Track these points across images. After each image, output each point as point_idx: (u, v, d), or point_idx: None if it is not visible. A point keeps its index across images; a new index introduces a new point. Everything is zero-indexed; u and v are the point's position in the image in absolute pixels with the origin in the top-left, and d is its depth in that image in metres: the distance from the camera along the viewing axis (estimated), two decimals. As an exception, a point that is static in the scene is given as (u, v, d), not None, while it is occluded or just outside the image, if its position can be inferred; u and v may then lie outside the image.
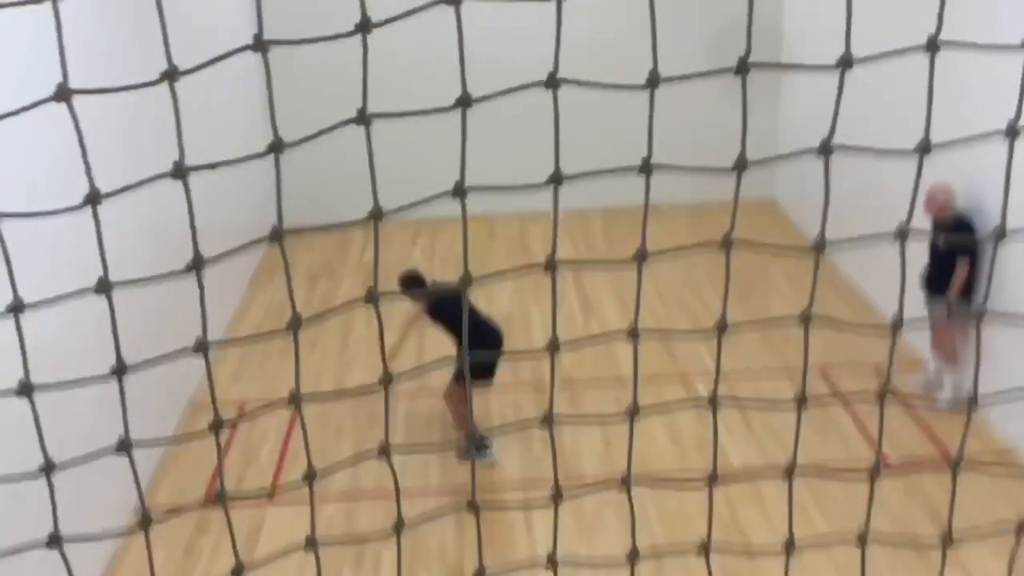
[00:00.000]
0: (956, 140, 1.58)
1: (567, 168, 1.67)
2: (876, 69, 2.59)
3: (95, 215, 1.61)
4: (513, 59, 9.22)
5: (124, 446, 1.69)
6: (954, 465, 1.80)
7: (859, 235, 1.85)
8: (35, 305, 1.66)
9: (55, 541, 1.70)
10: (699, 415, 9.12)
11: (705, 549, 1.85)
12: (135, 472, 1.75)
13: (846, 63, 1.41)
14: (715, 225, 14.88)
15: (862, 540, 1.82)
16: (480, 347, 8.41)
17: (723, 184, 1.64)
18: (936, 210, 8.82)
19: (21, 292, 1.66)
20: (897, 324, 1.64)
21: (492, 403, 9.60)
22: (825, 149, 1.50)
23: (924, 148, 1.49)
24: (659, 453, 8.63)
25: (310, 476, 1.74)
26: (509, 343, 10.78)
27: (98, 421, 4.21)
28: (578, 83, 1.62)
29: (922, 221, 1.78)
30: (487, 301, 11.71)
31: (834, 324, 1.90)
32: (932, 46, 1.43)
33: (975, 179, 8.33)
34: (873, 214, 6.42)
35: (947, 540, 1.83)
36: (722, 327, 1.66)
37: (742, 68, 1.43)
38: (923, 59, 1.53)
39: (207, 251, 1.66)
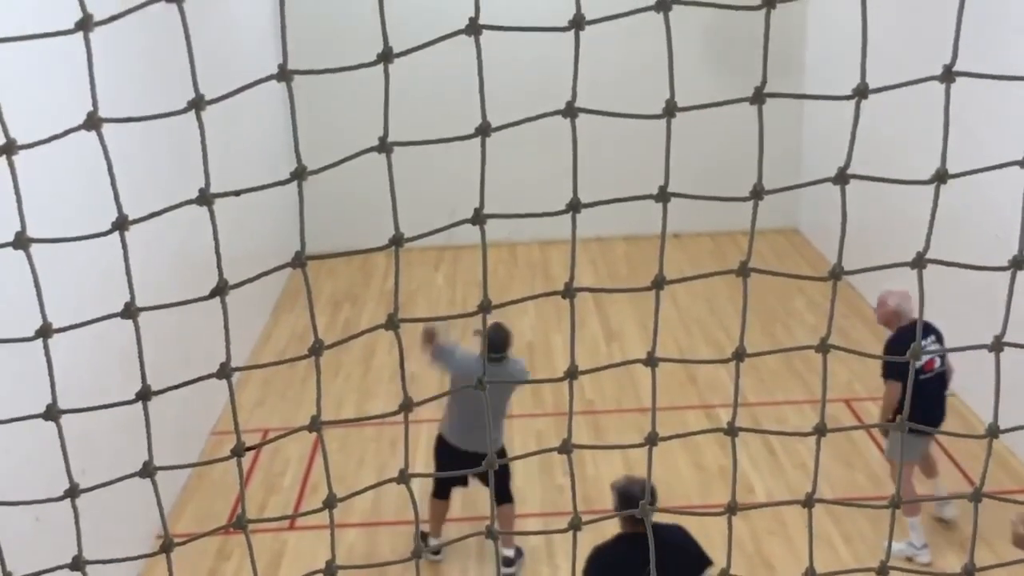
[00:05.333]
0: (975, 170, 1.58)
1: (590, 196, 1.69)
2: (902, 96, 2.60)
3: (123, 240, 1.63)
4: (537, 88, 9.27)
5: (147, 470, 1.70)
6: (975, 496, 1.79)
7: (882, 264, 1.84)
8: (63, 330, 1.68)
9: (78, 564, 1.72)
10: (722, 444, 9.07)
11: (725, 578, 1.84)
12: (158, 496, 1.77)
13: (861, 93, 1.42)
14: (739, 253, 14.86)
15: (883, 571, 1.81)
16: None
17: (747, 212, 1.65)
18: (883, 320, 7.37)
19: (50, 318, 1.68)
20: (916, 354, 1.64)
21: (513, 431, 9.59)
22: (841, 178, 1.51)
23: (940, 177, 1.49)
24: (682, 482, 8.58)
25: (330, 501, 1.75)
26: (532, 370, 10.76)
27: (123, 448, 4.24)
28: (596, 112, 1.64)
29: (941, 250, 1.76)
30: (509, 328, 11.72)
31: (855, 353, 1.89)
32: (947, 75, 1.44)
33: (1000, 203, 8.27)
34: (899, 242, 6.38)
35: (970, 571, 1.82)
36: (740, 355, 1.67)
37: (758, 98, 1.44)
38: (955, 85, 1.53)
39: (232, 279, 1.68)
